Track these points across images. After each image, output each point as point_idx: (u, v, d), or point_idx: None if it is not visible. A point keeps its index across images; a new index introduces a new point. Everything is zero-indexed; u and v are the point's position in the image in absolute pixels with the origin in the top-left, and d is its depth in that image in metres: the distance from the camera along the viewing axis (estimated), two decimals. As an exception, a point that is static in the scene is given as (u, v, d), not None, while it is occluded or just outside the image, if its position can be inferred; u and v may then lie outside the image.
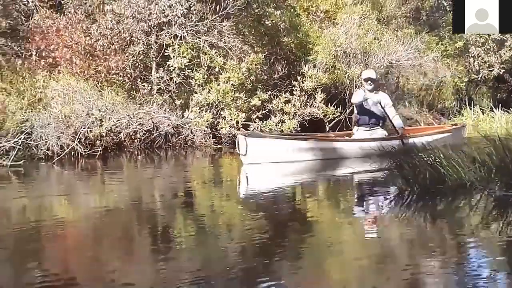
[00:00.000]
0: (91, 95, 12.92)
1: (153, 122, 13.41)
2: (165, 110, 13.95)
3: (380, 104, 11.74)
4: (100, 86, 13.71)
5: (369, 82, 11.86)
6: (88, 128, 12.32)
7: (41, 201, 7.96)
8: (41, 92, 13.02)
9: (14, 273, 4.78)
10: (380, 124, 12.01)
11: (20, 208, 7.57)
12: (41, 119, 12.14)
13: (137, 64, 14.91)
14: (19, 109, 12.23)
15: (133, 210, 7.37)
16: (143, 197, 8.49)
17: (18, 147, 11.47)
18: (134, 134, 13.04)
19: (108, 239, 5.91)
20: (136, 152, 13.07)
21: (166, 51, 14.62)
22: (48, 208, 7.63)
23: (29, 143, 11.77)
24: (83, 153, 12.18)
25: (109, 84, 14.14)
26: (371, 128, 11.92)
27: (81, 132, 12.24)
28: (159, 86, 14.85)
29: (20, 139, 11.56)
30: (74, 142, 12.10)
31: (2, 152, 11.29)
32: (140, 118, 13.22)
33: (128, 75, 14.71)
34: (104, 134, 12.54)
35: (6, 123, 11.71)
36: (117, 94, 13.80)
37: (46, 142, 11.89)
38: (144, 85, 14.70)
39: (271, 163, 10.65)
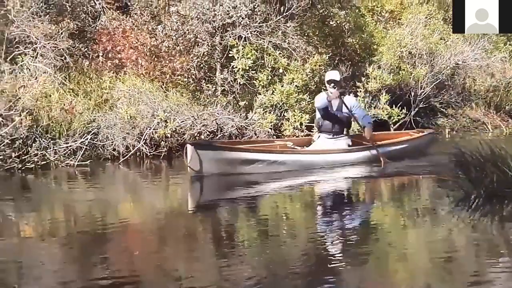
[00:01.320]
0: (156, 96, 13.04)
1: (217, 123, 13.44)
2: (229, 111, 13.96)
3: (347, 107, 11.06)
4: (165, 87, 13.83)
5: (333, 84, 11.05)
6: (153, 129, 12.43)
7: (108, 201, 8.06)
8: (107, 93, 13.21)
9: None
10: (344, 132, 11.31)
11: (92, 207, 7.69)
12: (107, 119, 12.32)
13: (201, 65, 14.98)
14: (86, 109, 12.44)
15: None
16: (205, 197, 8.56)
17: (85, 147, 11.66)
18: (198, 135, 13.09)
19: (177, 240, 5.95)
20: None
21: (230, 52, 14.64)
22: (114, 208, 7.73)
23: (96, 144, 11.96)
24: (148, 154, 12.31)
25: (173, 85, 14.26)
26: (334, 136, 11.15)
27: (146, 133, 12.37)
28: (223, 87, 14.90)
29: (86, 139, 11.77)
30: (139, 142, 12.24)
31: (69, 152, 11.49)
32: (204, 119, 13.27)
33: (193, 76, 14.80)
34: (169, 135, 12.62)
35: (74, 124, 11.92)
36: (182, 95, 13.90)
37: (112, 142, 12.06)
38: (208, 86, 14.76)
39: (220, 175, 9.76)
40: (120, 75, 13.90)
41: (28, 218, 7.48)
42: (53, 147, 11.34)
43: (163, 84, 13.95)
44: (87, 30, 15.42)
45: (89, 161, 11.47)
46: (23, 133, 11.13)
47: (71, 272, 5.09)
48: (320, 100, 11.11)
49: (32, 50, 13.30)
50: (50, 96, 12.27)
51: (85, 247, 5.90)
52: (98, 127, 12.18)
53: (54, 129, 11.66)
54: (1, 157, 10.56)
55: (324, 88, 11.90)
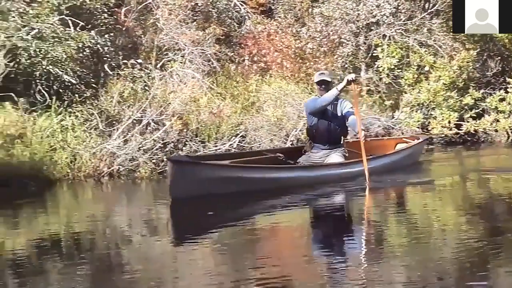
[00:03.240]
0: (301, 98, 13.11)
1: (363, 123, 13.33)
2: (374, 111, 13.85)
3: (342, 112, 9.39)
4: (310, 88, 13.89)
5: (323, 86, 9.25)
6: (299, 130, 12.50)
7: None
8: (253, 96, 13.42)
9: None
10: (341, 142, 9.47)
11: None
12: (254, 122, 12.50)
13: (346, 66, 14.93)
14: (233, 112, 12.67)
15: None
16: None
17: (234, 149, 11.90)
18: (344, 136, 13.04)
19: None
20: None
21: (375, 51, 14.52)
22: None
23: (244, 146, 12.16)
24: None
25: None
26: (330, 147, 9.40)
27: (292, 134, 12.45)
28: (368, 87, 14.78)
29: (234, 142, 11.99)
30: (286, 144, 12.34)
31: (218, 154, 11.76)
32: (350, 119, 13.21)
33: (338, 77, 14.75)
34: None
35: (222, 127, 12.18)
36: (327, 96, 13.87)
37: (259, 144, 12.22)
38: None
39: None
40: (265, 78, 14.10)
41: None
42: (203, 150, 11.64)
43: (308, 86, 14.00)
44: (233, 35, 15.75)
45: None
46: (174, 137, 11.50)
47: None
48: (313, 104, 9.40)
49: (180, 56, 13.74)
50: (198, 100, 12.61)
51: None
52: (245, 130, 12.37)
53: (203, 132, 11.96)
54: (154, 160, 10.94)
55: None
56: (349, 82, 8.83)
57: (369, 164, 8.94)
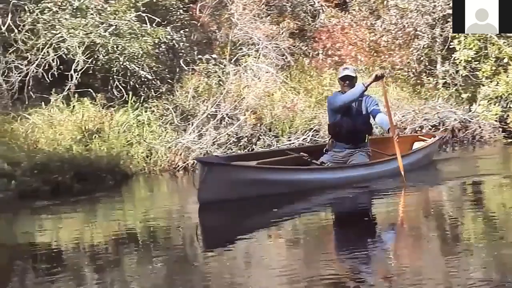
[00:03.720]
0: (375, 91, 12.98)
1: (439, 117, 13.16)
2: (451, 104, 13.63)
3: (367, 110, 8.77)
4: (385, 82, 13.73)
5: (348, 82, 8.60)
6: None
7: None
8: (327, 90, 13.37)
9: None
10: (365, 140, 8.83)
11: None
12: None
13: (421, 59, 14.71)
14: (307, 107, 12.69)
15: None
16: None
17: (307, 144, 11.90)
18: (420, 129, 12.88)
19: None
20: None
21: (451, 43, 14.26)
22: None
23: (317, 140, 12.15)
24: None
25: (393, 80, 14.16)
26: (354, 147, 8.70)
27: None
28: (444, 80, 14.54)
29: (308, 136, 11.99)
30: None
31: (292, 148, 11.78)
32: (425, 113, 13.06)
33: (413, 70, 14.59)
34: (389, 130, 12.54)
35: (295, 121, 12.21)
36: (402, 90, 13.76)
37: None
38: (429, 80, 14.50)
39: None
40: (339, 72, 14.02)
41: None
42: (276, 144, 11.68)
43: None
44: (307, 29, 15.75)
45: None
46: (248, 131, 11.60)
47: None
48: (336, 100, 8.66)
49: (254, 51, 13.82)
50: (272, 95, 12.67)
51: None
52: (319, 124, 12.35)
53: (277, 126, 12.01)
54: (227, 154, 11.05)
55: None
56: (377, 78, 8.40)
57: (389, 165, 8.62)
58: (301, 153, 8.97)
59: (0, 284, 4.96)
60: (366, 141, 8.79)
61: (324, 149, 8.93)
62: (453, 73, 14.39)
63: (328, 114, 9.05)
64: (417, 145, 10.28)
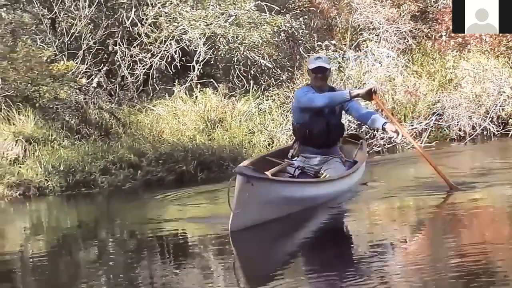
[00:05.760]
0: (502, 72, 12.57)
1: None
2: None
3: (341, 107, 7.32)
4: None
5: (319, 74, 7.07)
6: (500, 106, 12.02)
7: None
8: (451, 73, 13.04)
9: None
10: (337, 144, 7.49)
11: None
12: (452, 99, 12.17)
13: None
14: (430, 91, 12.43)
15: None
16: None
17: (430, 128, 11.68)
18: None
19: None
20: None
21: None
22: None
23: (441, 124, 11.91)
24: (496, 133, 11.95)
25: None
26: (330, 153, 7.33)
27: (492, 111, 11.99)
28: None
29: (431, 120, 11.76)
30: (485, 121, 11.91)
31: (415, 133, 11.57)
32: None
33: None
34: (517, 112, 12.12)
35: (418, 105, 11.99)
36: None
37: (457, 122, 11.90)
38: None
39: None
40: (463, 54, 13.62)
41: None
42: (399, 129, 11.51)
43: (509, 60, 13.37)
44: (429, 10, 15.35)
45: (434, 142, 11.51)
46: (369, 117, 11.46)
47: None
48: (307, 99, 7.07)
49: (375, 35, 13.63)
50: (394, 79, 12.48)
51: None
52: (442, 108, 12.09)
53: (399, 112, 11.83)
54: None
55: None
56: (368, 93, 7.00)
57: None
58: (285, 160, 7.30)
59: (128, 268, 5.20)
60: (338, 144, 7.56)
61: (289, 154, 7.41)
62: None
63: (293, 112, 7.70)
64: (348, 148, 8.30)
